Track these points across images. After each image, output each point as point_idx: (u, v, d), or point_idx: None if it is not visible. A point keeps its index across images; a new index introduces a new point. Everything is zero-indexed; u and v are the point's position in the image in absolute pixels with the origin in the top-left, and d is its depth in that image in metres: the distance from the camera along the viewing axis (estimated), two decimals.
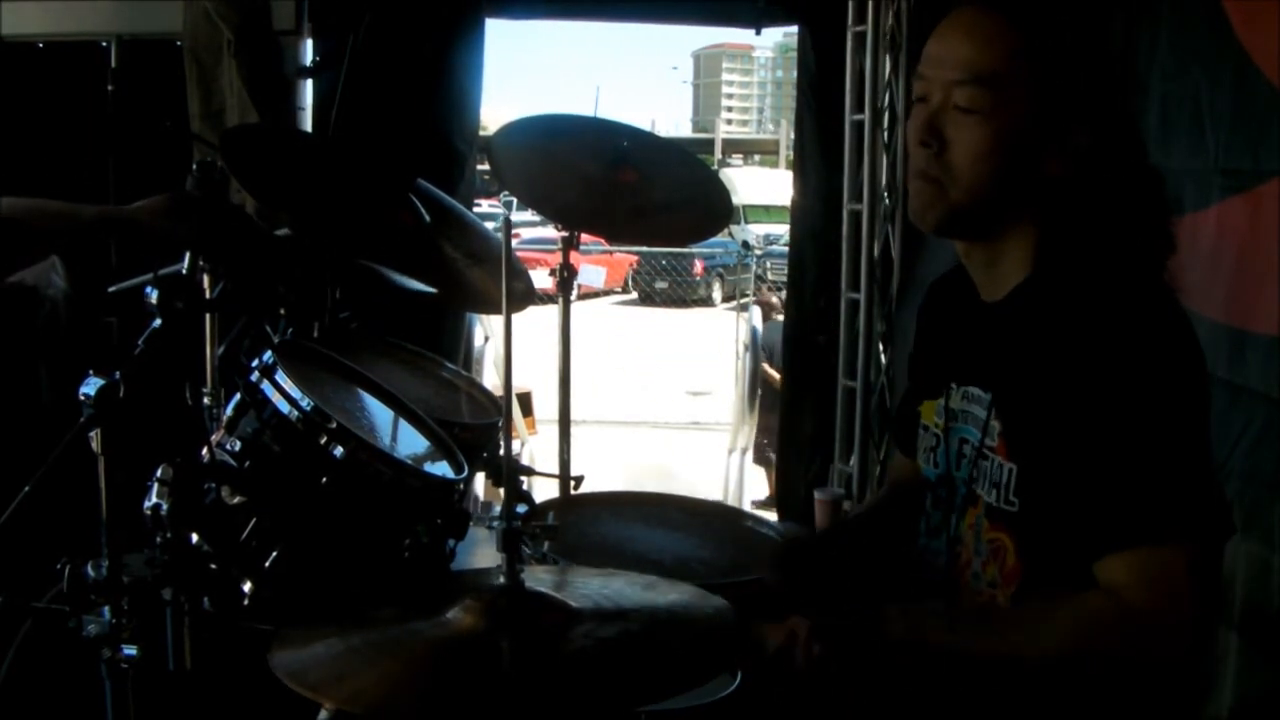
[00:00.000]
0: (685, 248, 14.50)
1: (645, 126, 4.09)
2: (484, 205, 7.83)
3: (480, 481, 3.24)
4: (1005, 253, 1.47)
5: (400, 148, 3.60)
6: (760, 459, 6.55)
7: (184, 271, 1.62)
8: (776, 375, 5.90)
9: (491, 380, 4.43)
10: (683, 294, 16.65)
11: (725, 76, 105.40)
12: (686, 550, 2.04)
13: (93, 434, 1.45)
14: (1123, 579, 1.29)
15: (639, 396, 10.57)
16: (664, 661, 1.31)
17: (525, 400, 5.79)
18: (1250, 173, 2.34)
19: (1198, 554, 1.30)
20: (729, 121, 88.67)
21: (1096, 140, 1.40)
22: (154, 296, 1.51)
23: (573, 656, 1.29)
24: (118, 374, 1.44)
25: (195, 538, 1.54)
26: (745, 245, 13.05)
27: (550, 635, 1.31)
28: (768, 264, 14.07)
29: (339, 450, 1.58)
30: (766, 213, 21.62)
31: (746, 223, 20.84)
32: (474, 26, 4.07)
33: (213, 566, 1.55)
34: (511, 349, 1.50)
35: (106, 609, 1.47)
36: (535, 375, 5.14)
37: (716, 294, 17.79)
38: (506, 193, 2.60)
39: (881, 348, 4.32)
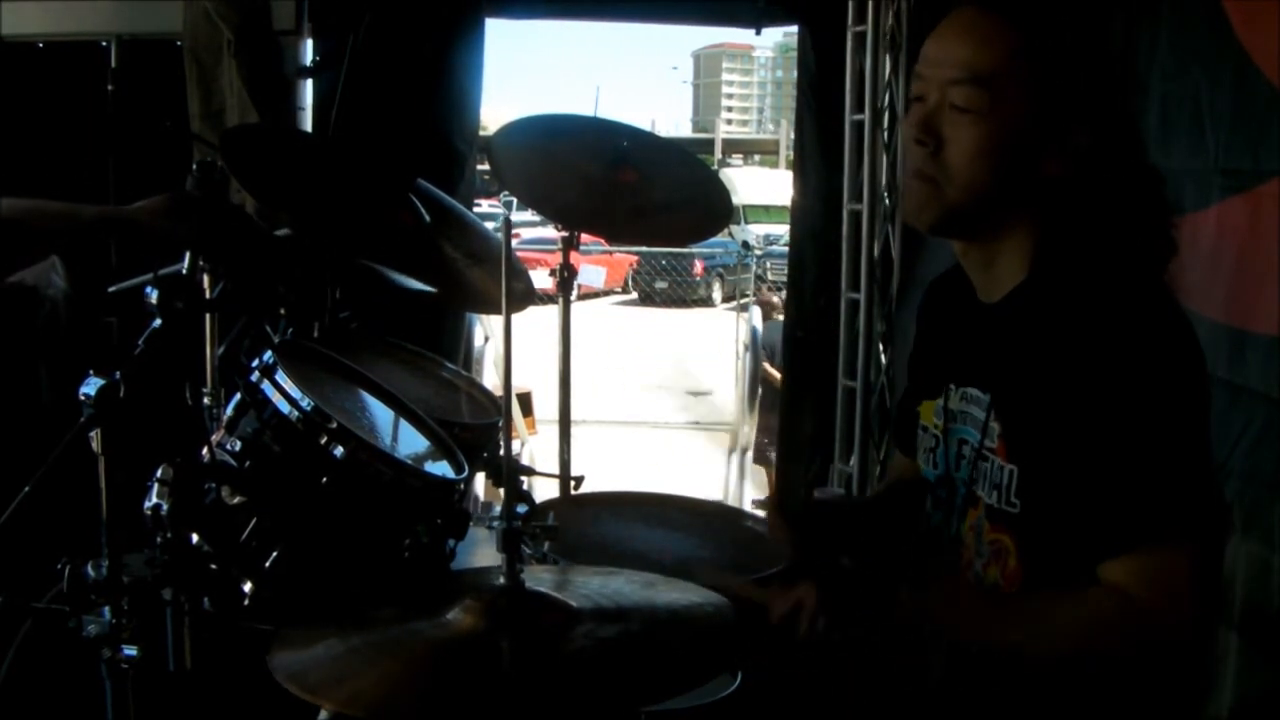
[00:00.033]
0: (685, 248, 14.49)
1: (645, 126, 4.09)
2: (484, 205, 7.83)
3: (480, 481, 3.24)
4: (1002, 253, 1.47)
5: (400, 148, 3.60)
6: (761, 459, 6.55)
7: (184, 271, 1.62)
8: (777, 374, 5.90)
9: (491, 380, 4.42)
10: (683, 294, 16.64)
11: (725, 76, 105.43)
12: (686, 550, 2.04)
13: (93, 434, 1.45)
14: (1125, 581, 1.30)
15: (639, 396, 10.57)
16: (664, 661, 1.31)
17: (525, 400, 5.79)
18: (1250, 173, 2.34)
19: (1199, 554, 1.30)
20: (729, 121, 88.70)
21: (1095, 141, 1.40)
22: (154, 296, 1.51)
23: (573, 656, 1.29)
24: (118, 374, 1.44)
25: (195, 538, 1.54)
26: (745, 245, 13.05)
27: (550, 635, 1.31)
28: (768, 264, 14.07)
29: (339, 450, 1.58)
30: (766, 213, 21.62)
31: (746, 223, 20.84)
32: (474, 26, 4.06)
33: (213, 566, 1.55)
34: (511, 349, 1.50)
35: (106, 609, 1.47)
36: (535, 375, 5.14)
37: (716, 294, 17.78)
38: (506, 193, 2.60)
39: (881, 348, 4.32)
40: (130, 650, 1.48)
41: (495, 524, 1.38)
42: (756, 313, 7.27)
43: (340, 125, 3.73)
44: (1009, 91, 1.37)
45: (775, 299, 7.45)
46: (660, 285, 16.71)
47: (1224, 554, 1.43)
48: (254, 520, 1.57)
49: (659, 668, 1.29)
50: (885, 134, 4.17)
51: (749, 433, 6.51)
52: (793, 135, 5.11)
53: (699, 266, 17.15)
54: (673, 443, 9.09)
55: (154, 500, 1.52)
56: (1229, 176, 2.38)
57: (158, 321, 1.51)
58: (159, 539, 1.51)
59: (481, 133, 4.03)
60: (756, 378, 6.69)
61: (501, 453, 1.52)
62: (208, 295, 1.74)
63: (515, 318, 1.53)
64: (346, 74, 3.73)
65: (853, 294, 4.34)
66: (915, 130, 1.42)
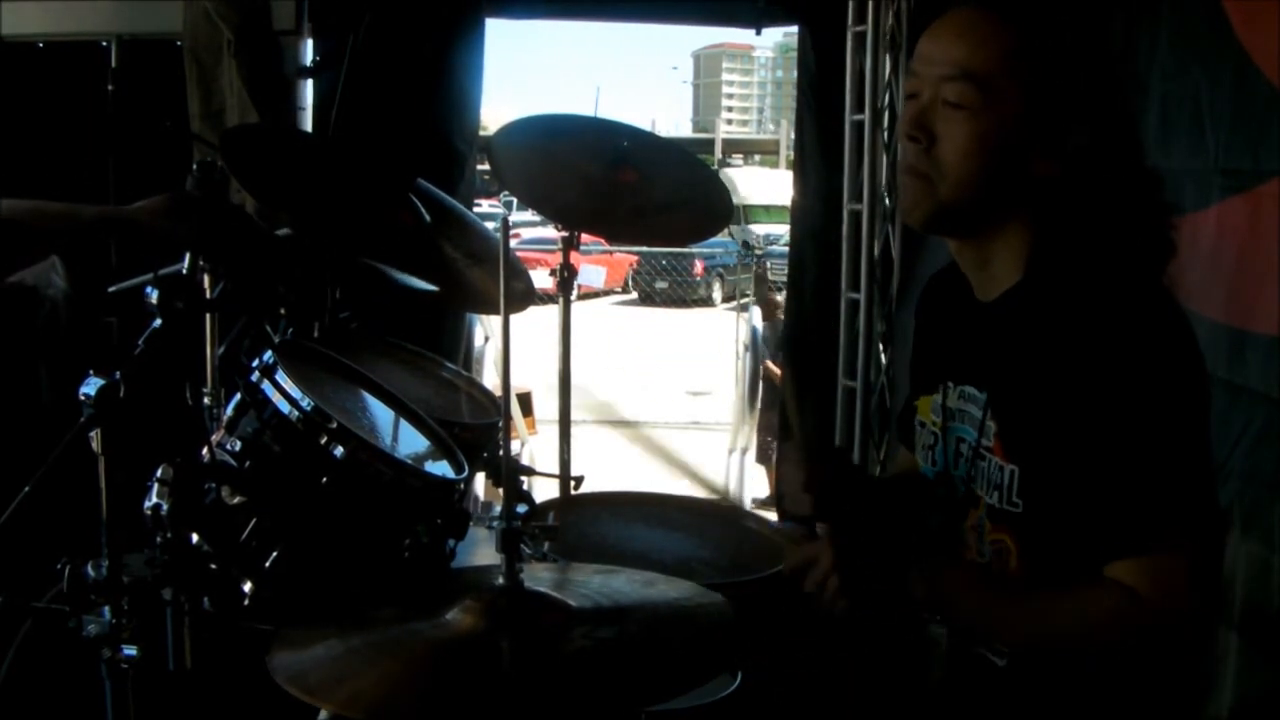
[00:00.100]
0: (685, 248, 14.49)
1: (645, 126, 4.09)
2: (484, 205, 7.84)
3: (480, 481, 3.24)
4: (997, 253, 1.47)
5: (400, 148, 3.60)
6: (762, 458, 6.56)
7: (184, 271, 1.62)
8: (779, 372, 5.91)
9: (491, 380, 4.41)
10: (683, 294, 16.64)
11: (725, 76, 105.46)
12: (686, 550, 2.04)
13: (93, 434, 1.45)
14: (1128, 581, 1.30)
15: (639, 396, 10.57)
16: (664, 661, 1.31)
17: (525, 400, 5.79)
18: (1250, 173, 2.34)
19: (1200, 555, 1.30)
20: (729, 121, 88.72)
21: (1092, 142, 1.40)
22: (154, 296, 1.51)
23: (573, 656, 1.29)
24: (118, 374, 1.44)
25: (195, 538, 1.54)
26: (745, 245, 13.05)
27: (550, 635, 1.31)
28: (768, 264, 14.06)
29: (339, 450, 1.58)
30: (766, 213, 21.62)
31: (746, 223, 20.84)
32: (474, 26, 4.06)
33: (213, 566, 1.55)
34: (511, 349, 1.50)
35: (106, 609, 1.47)
36: (535, 375, 5.14)
37: (716, 294, 17.79)
38: (506, 193, 2.60)
39: (881, 348, 4.32)
40: (130, 650, 1.48)
41: (495, 524, 1.38)
42: (756, 313, 7.28)
43: (340, 125, 3.73)
44: (1003, 90, 1.37)
45: (777, 298, 7.46)
46: (660, 285, 16.71)
47: (1224, 553, 1.43)
48: (254, 520, 1.57)
49: (659, 668, 1.29)
50: (885, 134, 4.17)
51: (749, 432, 6.52)
52: (793, 135, 5.11)
53: (699, 266, 17.15)
54: (673, 443, 9.09)
55: (154, 500, 1.52)
56: (1229, 176, 2.38)
57: (158, 321, 1.51)
58: (159, 539, 1.51)
59: (481, 133, 4.03)
60: (757, 378, 6.70)
61: (501, 453, 1.52)
62: (208, 295, 1.74)
63: (515, 318, 1.53)
64: (346, 74, 3.73)
65: (853, 294, 4.34)
66: (909, 127, 1.42)
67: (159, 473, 1.51)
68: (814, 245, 4.58)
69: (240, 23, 3.55)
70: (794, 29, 4.62)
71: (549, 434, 3.56)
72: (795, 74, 4.70)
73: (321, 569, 1.60)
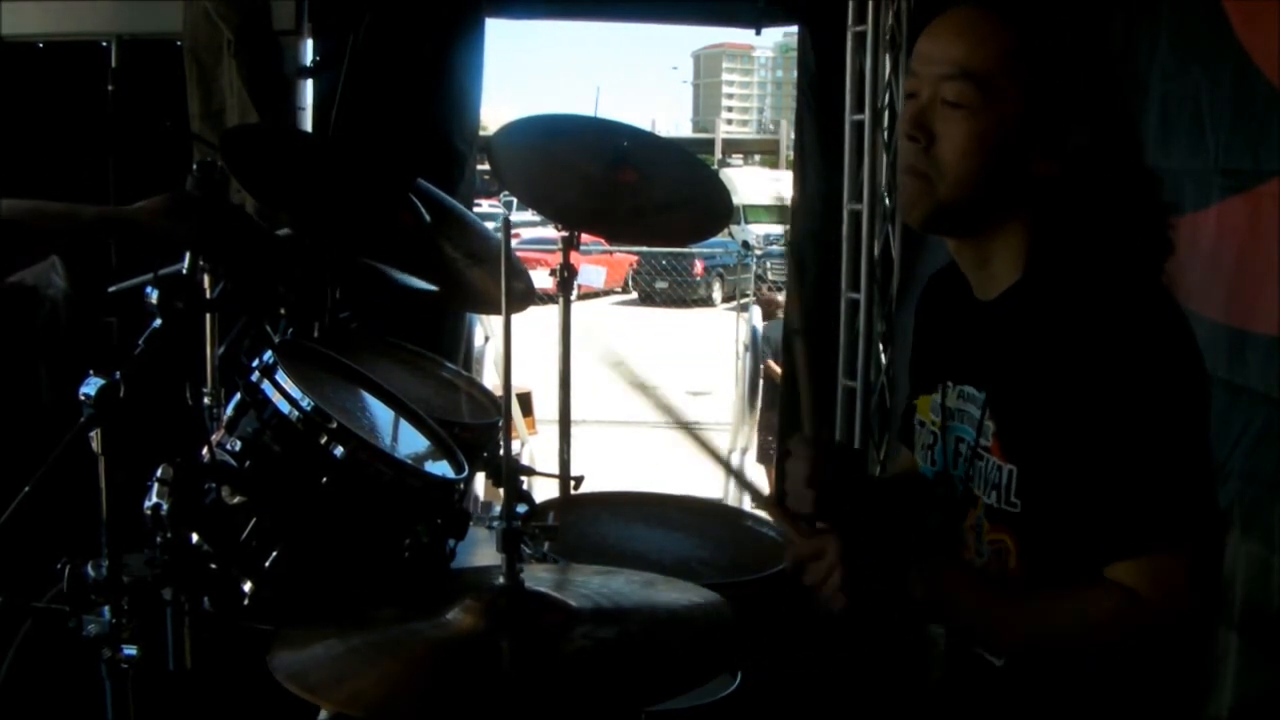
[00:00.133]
0: (685, 248, 14.49)
1: (645, 126, 4.09)
2: (484, 205, 7.83)
3: (480, 481, 3.24)
4: (995, 252, 1.47)
5: (400, 148, 3.60)
6: (762, 457, 6.56)
7: (184, 271, 1.62)
8: (780, 371, 5.91)
9: (491, 380, 4.42)
10: (683, 294, 16.64)
11: (725, 76, 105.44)
12: (686, 550, 2.04)
13: (93, 434, 1.45)
14: (1128, 582, 1.30)
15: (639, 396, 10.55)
16: (664, 661, 1.31)
17: (525, 400, 5.79)
18: (1250, 173, 2.34)
19: (1199, 555, 1.30)
20: (729, 121, 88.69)
21: (1092, 142, 1.40)
22: (154, 296, 1.51)
23: (573, 656, 1.29)
24: (118, 374, 1.44)
25: (195, 538, 1.54)
26: (745, 245, 13.05)
27: (550, 635, 1.31)
28: (768, 264, 14.07)
29: (339, 450, 1.58)
30: (766, 213, 21.64)
31: (746, 223, 20.85)
32: (474, 26, 4.06)
33: (213, 566, 1.55)
34: (511, 349, 1.50)
35: (106, 609, 1.47)
36: (535, 375, 5.14)
37: (716, 294, 17.79)
38: (506, 193, 2.60)
39: (881, 348, 4.32)
40: (130, 650, 1.48)
41: (495, 524, 1.38)
42: (756, 312, 7.29)
43: (340, 125, 3.73)
44: (1002, 89, 1.37)
45: (778, 297, 7.47)
46: (660, 285, 16.71)
47: (1224, 553, 1.43)
48: (254, 520, 1.57)
49: (659, 668, 1.29)
50: (885, 134, 4.17)
51: (749, 432, 6.52)
52: (793, 135, 5.11)
53: (699, 266, 17.16)
54: (673, 443, 9.08)
55: (154, 500, 1.52)
56: (1229, 176, 2.38)
57: (158, 321, 1.51)
58: (159, 539, 1.51)
59: (481, 133, 4.03)
60: (757, 377, 6.70)
61: (501, 453, 1.52)
62: (208, 295, 1.74)
63: (515, 318, 1.53)
64: (346, 74, 3.73)
65: (853, 294, 4.34)
66: (908, 126, 1.42)
67: (159, 473, 1.51)
68: (814, 245, 4.58)
69: (240, 23, 3.55)
70: (794, 29, 4.62)
71: (549, 434, 3.56)
72: (795, 74, 4.70)
73: (321, 569, 1.60)
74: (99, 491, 1.47)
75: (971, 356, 1.50)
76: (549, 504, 2.15)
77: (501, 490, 1.50)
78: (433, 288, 2.12)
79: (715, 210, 2.69)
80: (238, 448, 1.61)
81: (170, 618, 1.60)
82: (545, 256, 7.53)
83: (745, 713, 1.70)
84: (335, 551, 1.61)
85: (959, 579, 1.43)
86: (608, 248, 13.20)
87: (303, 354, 1.82)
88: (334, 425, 1.58)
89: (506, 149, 2.60)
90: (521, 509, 1.40)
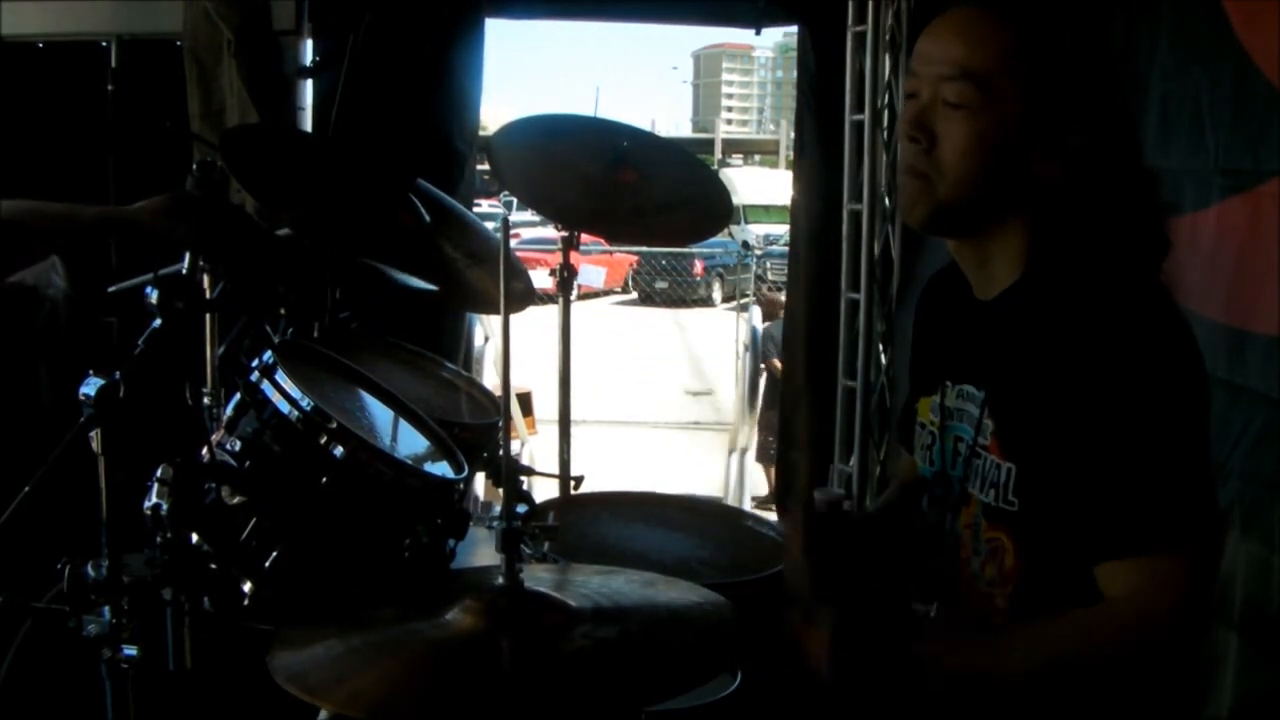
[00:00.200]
0: (685, 248, 14.49)
1: (645, 126, 4.09)
2: (484, 205, 7.83)
3: (480, 481, 3.24)
4: (996, 252, 1.47)
5: (400, 148, 3.60)
6: (762, 457, 6.57)
7: (184, 271, 1.62)
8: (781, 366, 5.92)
9: (491, 380, 4.42)
10: (683, 294, 16.65)
11: (725, 76, 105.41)
12: (686, 550, 2.04)
13: (93, 434, 1.45)
14: (1120, 586, 1.30)
15: (639, 396, 10.57)
16: (664, 661, 1.31)
17: (525, 400, 5.79)
18: (1250, 173, 2.34)
19: (1196, 558, 1.30)
20: (729, 121, 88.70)
21: (1091, 143, 1.40)
22: (154, 296, 1.51)
23: (573, 656, 1.29)
24: (118, 374, 1.44)
25: (195, 538, 1.54)
26: (745, 245, 13.06)
27: (550, 635, 1.31)
28: (768, 264, 14.07)
29: (339, 450, 1.58)
30: (766, 213, 21.64)
31: (746, 223, 20.85)
32: (474, 26, 4.06)
33: (213, 566, 1.55)
34: (511, 349, 1.50)
35: (106, 609, 1.47)
36: (535, 375, 5.14)
37: (716, 294, 17.79)
38: (506, 193, 2.60)
39: (881, 348, 4.32)
40: (130, 650, 1.48)
41: (495, 524, 1.38)
42: (756, 313, 7.29)
43: (340, 125, 3.73)
44: (1002, 89, 1.37)
45: (780, 297, 7.48)
46: (660, 285, 16.72)
47: (1221, 557, 1.42)
48: (254, 520, 1.57)
49: (659, 668, 1.29)
50: (885, 134, 4.17)
51: (749, 432, 6.52)
52: (793, 135, 5.11)
53: (699, 266, 17.16)
54: (673, 443, 9.09)
55: (154, 500, 1.52)
56: (1229, 176, 2.38)
57: (158, 321, 1.51)
58: (159, 539, 1.51)
59: (481, 133, 4.03)
60: (757, 377, 6.71)
61: (501, 453, 1.52)
62: (208, 295, 1.74)
63: (515, 318, 1.53)
64: (346, 74, 3.73)
65: (853, 294, 4.34)
66: (908, 127, 1.42)
67: (159, 473, 1.51)
68: (814, 245, 4.58)
69: (240, 23, 3.55)
70: (794, 29, 4.62)
71: (549, 434, 3.56)
72: (795, 74, 4.70)
73: (321, 569, 1.60)
74: (99, 491, 1.47)
75: (971, 356, 1.50)
76: (549, 504, 2.15)
77: (501, 490, 1.50)
78: (433, 288, 2.12)
79: (715, 210, 2.69)
80: (238, 448, 1.61)
81: (170, 618, 1.60)
82: (545, 256, 7.53)
83: (745, 713, 1.70)
84: (335, 551, 1.61)
85: (945, 643, 1.41)
86: (608, 248, 13.20)
87: (303, 354, 1.82)
88: (334, 425, 1.58)
89: (506, 149, 2.60)
90: (521, 509, 1.40)
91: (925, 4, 3.83)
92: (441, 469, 1.77)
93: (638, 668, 1.29)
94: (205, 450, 1.57)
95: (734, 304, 11.42)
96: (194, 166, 1.67)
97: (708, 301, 17.47)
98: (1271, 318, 2.25)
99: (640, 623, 1.38)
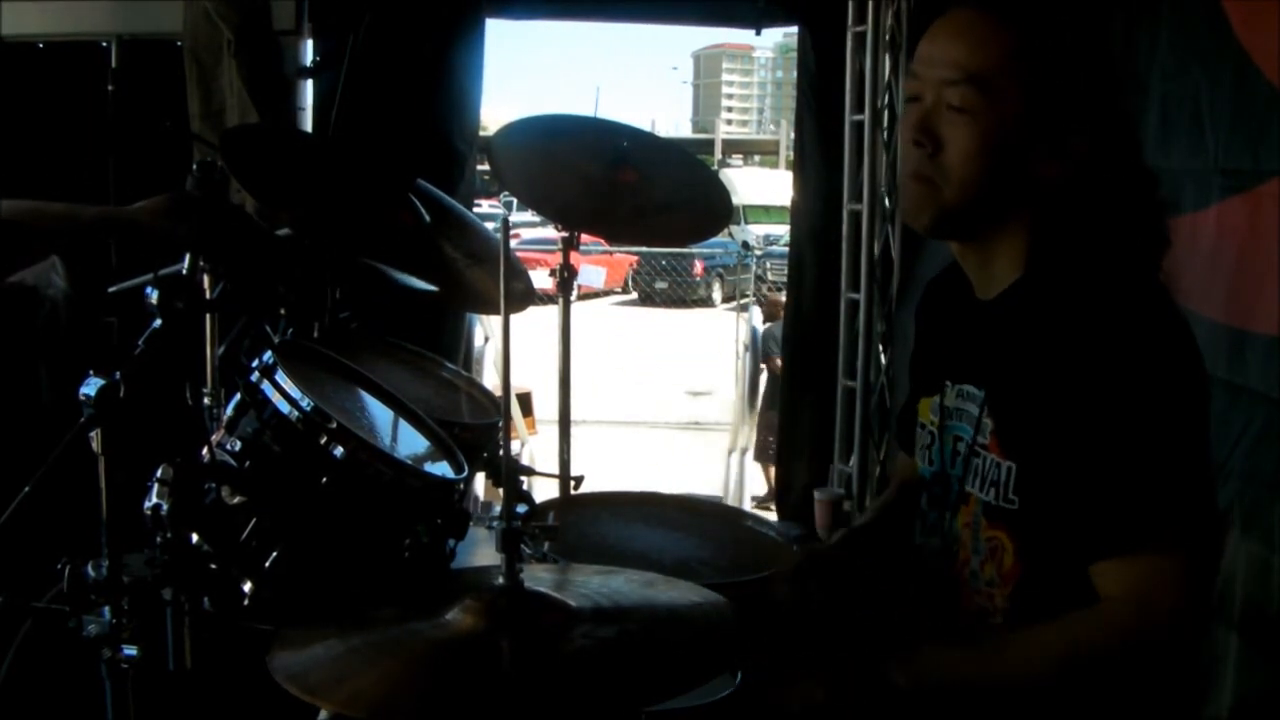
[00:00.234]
0: (685, 248, 14.50)
1: (645, 126, 4.09)
2: (484, 205, 7.84)
3: (480, 481, 3.24)
4: (998, 252, 1.47)
5: (400, 148, 3.60)
6: (762, 456, 6.56)
7: (184, 271, 1.62)
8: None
9: (491, 380, 4.42)
10: (683, 294, 16.65)
11: (725, 77, 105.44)
12: (686, 550, 2.04)
13: (93, 434, 1.45)
14: (1117, 587, 1.30)
15: (639, 396, 10.57)
16: (664, 661, 1.31)
17: (525, 400, 5.79)
18: (1250, 173, 2.34)
19: (1195, 559, 1.30)
20: (729, 122, 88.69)
21: (1092, 143, 1.40)
22: (154, 296, 1.51)
23: (573, 656, 1.29)
24: (118, 374, 1.44)
25: (195, 538, 1.54)
26: (745, 245, 13.05)
27: (550, 635, 1.31)
28: (768, 264, 14.08)
29: (339, 450, 1.58)
30: (766, 213, 21.64)
31: (746, 223, 20.85)
32: (474, 26, 4.07)
33: (213, 566, 1.55)
34: (510, 349, 1.50)
35: (106, 609, 1.47)
36: (535, 375, 5.14)
37: (716, 294, 17.80)
38: (506, 193, 2.60)
39: (881, 348, 4.32)
40: (130, 650, 1.48)
41: (495, 524, 1.37)
42: (756, 313, 7.29)
43: (340, 125, 3.73)
44: (1005, 92, 1.37)
45: (781, 298, 7.48)
46: (660, 285, 16.72)
47: (1221, 557, 1.42)
48: (254, 520, 1.57)
49: (659, 668, 1.29)
50: (885, 134, 4.18)
51: (749, 432, 6.52)
52: (793, 135, 5.11)
53: (699, 266, 17.17)
54: (673, 443, 9.09)
55: (154, 500, 1.51)
56: (1229, 176, 2.38)
57: (158, 321, 1.51)
58: (159, 539, 1.51)
59: (481, 133, 4.03)
60: (756, 378, 6.71)
61: (501, 453, 1.52)
62: (208, 295, 1.74)
63: (515, 318, 1.53)
64: (346, 74, 3.73)
65: (853, 294, 4.34)
66: (913, 132, 1.42)
67: (159, 473, 1.51)
68: (814, 245, 4.59)
69: (240, 23, 3.56)
70: (794, 29, 4.63)
71: (549, 434, 3.56)
72: (795, 74, 4.71)
73: (321, 569, 1.60)
74: (99, 491, 1.47)
75: (971, 355, 1.50)
76: (549, 504, 2.15)
77: (501, 490, 1.50)
78: (433, 288, 2.12)
79: (715, 210, 2.69)
80: (238, 448, 1.61)
81: (170, 618, 1.60)
82: (545, 257, 7.53)
83: (745, 713, 1.70)
84: (335, 552, 1.61)
85: (940, 654, 1.40)
86: (608, 248, 13.21)
87: (303, 354, 1.82)
88: (334, 425, 1.58)
89: (506, 149, 2.60)
90: (521, 509, 1.40)
91: (925, 4, 3.84)
92: (441, 469, 1.77)
93: (637, 668, 1.29)
94: (205, 450, 1.57)
95: (734, 304, 11.42)
96: (194, 166, 1.67)
97: (708, 302, 17.47)
98: (1271, 318, 2.25)
99: (640, 623, 1.38)
